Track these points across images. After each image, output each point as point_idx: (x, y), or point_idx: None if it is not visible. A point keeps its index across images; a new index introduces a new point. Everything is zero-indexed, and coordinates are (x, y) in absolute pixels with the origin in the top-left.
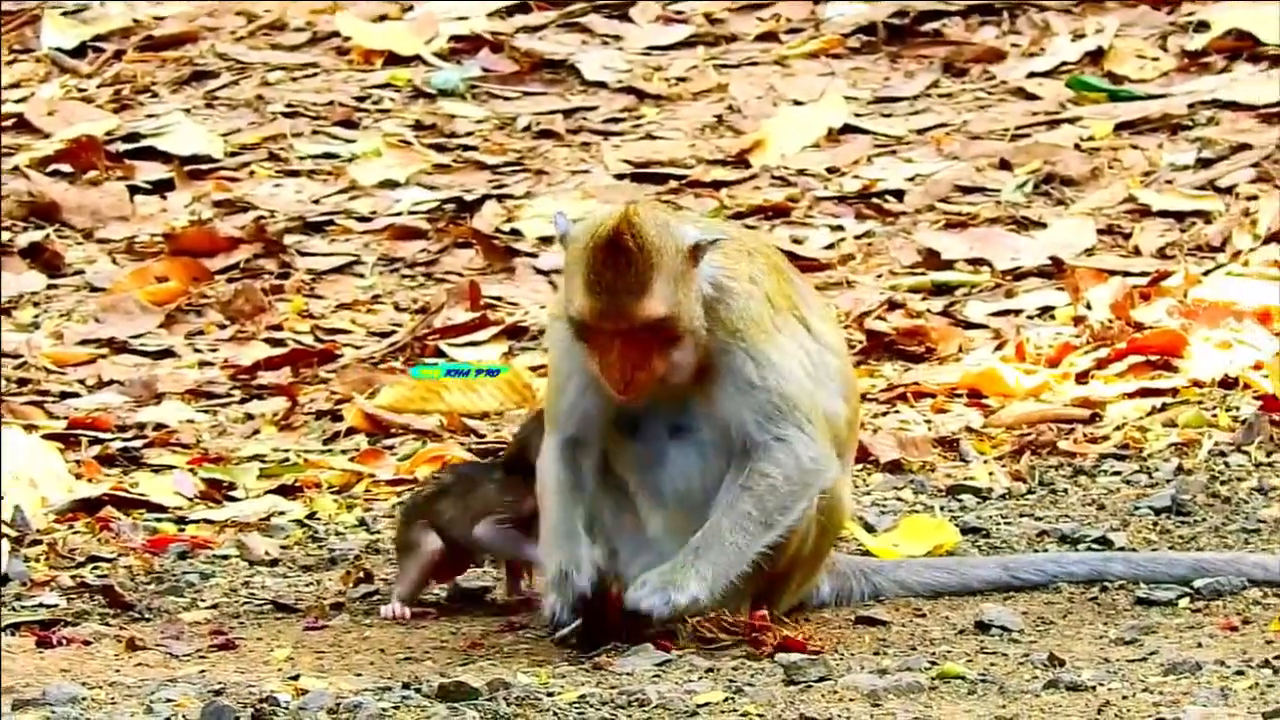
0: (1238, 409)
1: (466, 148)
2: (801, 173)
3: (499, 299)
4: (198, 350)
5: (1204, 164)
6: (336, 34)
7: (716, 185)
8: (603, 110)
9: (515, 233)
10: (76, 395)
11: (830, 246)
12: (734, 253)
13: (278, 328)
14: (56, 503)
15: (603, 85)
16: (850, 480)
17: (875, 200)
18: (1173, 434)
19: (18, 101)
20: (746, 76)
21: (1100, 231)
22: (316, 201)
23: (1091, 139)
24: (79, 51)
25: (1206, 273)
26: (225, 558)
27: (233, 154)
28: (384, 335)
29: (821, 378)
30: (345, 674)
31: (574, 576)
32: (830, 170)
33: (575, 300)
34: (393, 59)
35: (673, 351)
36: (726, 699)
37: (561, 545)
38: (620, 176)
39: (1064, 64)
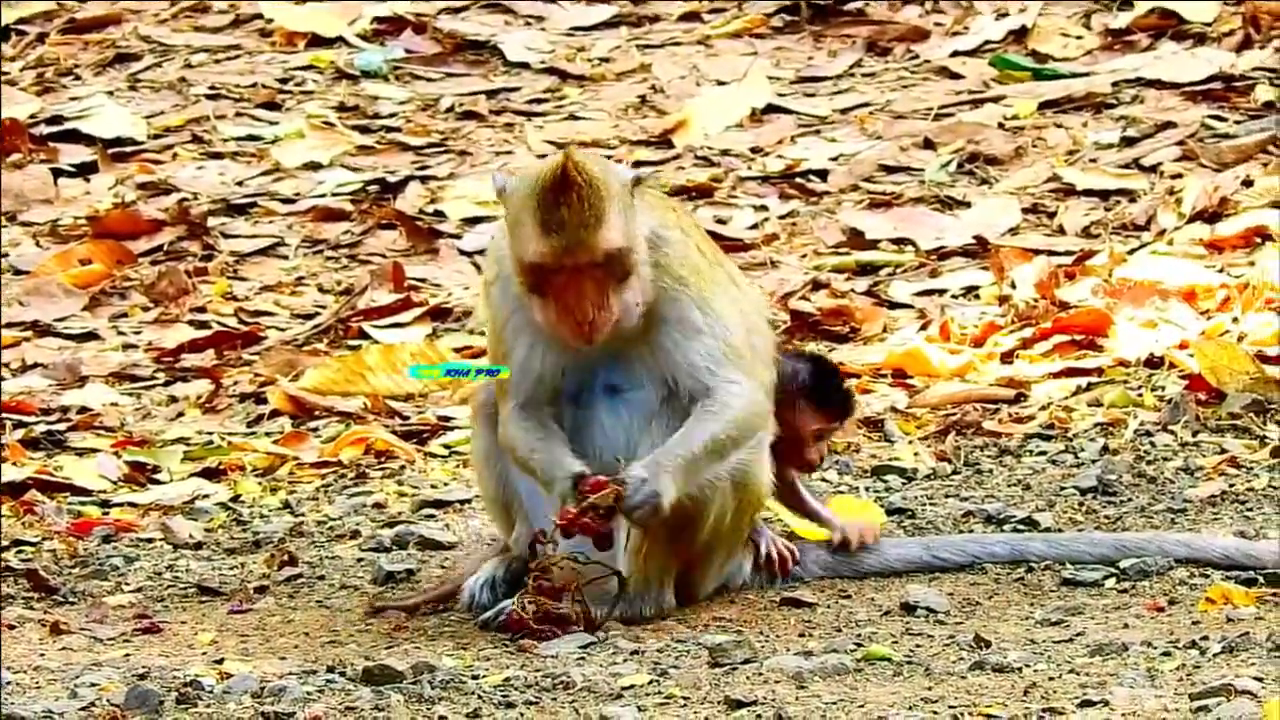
0: (1163, 388)
1: (390, 129)
2: (725, 153)
3: (423, 280)
4: (121, 333)
5: (1128, 142)
6: (259, 16)
7: (640, 165)
8: (526, 91)
9: (439, 214)
10: (0, 379)
11: (754, 227)
12: (660, 206)
13: (201, 310)
14: None
15: (525, 66)
16: (768, 456)
17: (799, 180)
18: (1098, 414)
19: None
20: (669, 56)
21: (1025, 210)
22: (240, 183)
23: (1015, 118)
24: (1, 35)
25: (1131, 252)
26: (149, 541)
27: (156, 136)
28: (308, 317)
29: (754, 339)
30: (270, 657)
31: (558, 480)
32: (754, 150)
33: (530, 246)
34: (315, 41)
35: (625, 291)
36: (651, 681)
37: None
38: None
39: (987, 43)
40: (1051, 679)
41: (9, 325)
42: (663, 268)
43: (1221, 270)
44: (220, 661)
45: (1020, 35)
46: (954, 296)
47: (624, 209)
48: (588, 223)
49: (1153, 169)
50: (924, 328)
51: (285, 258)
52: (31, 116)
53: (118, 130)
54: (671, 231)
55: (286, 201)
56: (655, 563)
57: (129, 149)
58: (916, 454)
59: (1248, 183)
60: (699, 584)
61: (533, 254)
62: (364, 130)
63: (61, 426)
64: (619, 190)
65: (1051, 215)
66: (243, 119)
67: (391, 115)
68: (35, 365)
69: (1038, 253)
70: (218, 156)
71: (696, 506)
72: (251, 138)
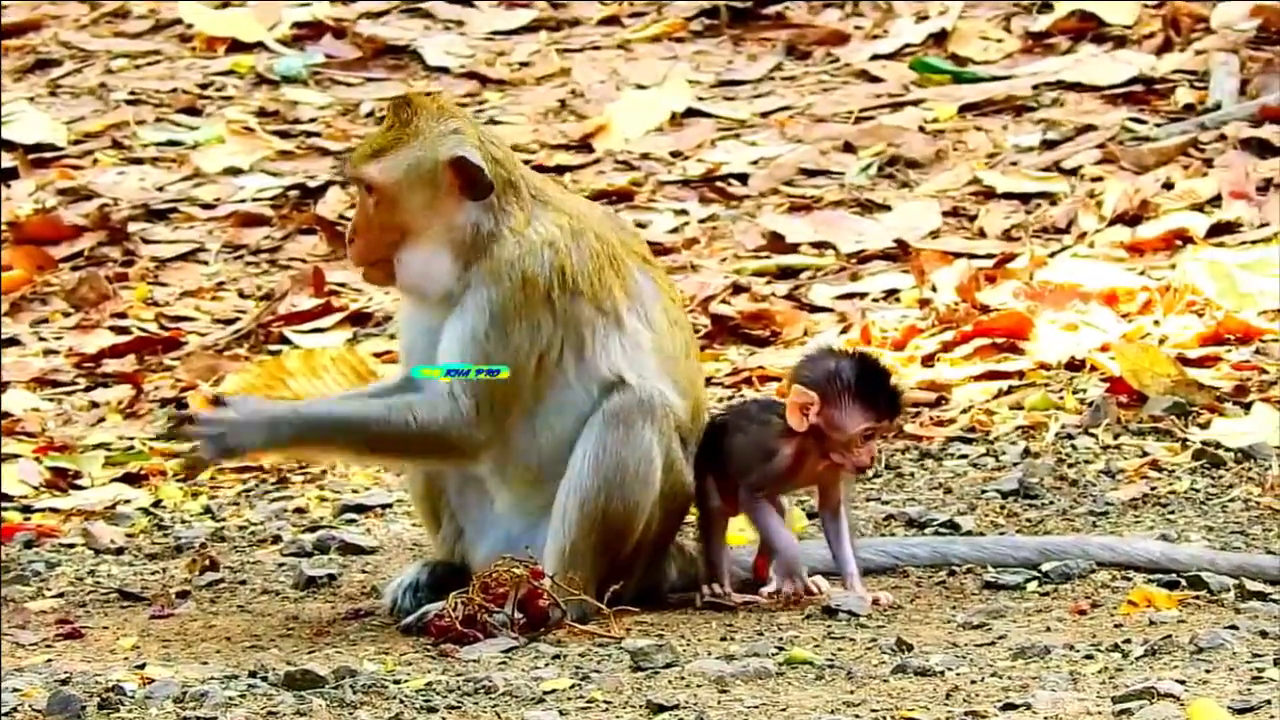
0: (1084, 391)
1: (310, 134)
2: (645, 157)
3: (343, 285)
4: (42, 339)
5: (1049, 145)
6: (179, 21)
7: (560, 170)
8: (445, 95)
9: None
10: None
11: (674, 230)
12: (548, 221)
13: (122, 315)
14: None
15: (445, 70)
16: (689, 463)
17: (719, 184)
18: (1019, 417)
19: None
20: (589, 60)
21: (945, 214)
22: (160, 189)
23: (936, 121)
24: None
25: (1052, 254)
26: (71, 546)
27: (76, 142)
28: (228, 322)
29: (637, 370)
30: (191, 662)
31: None
32: (674, 154)
33: None
34: (235, 46)
35: (403, 247)
36: (573, 685)
37: None
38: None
39: (907, 46)
40: (974, 682)
41: None
42: (485, 262)
43: (1143, 273)
44: (142, 666)
45: (940, 38)
46: (875, 300)
47: (416, 166)
48: (374, 144)
49: (1073, 172)
50: (845, 331)
51: (206, 263)
52: None
53: (38, 136)
54: (513, 236)
55: (207, 207)
56: (579, 568)
57: (49, 155)
58: None
59: (1168, 185)
60: (621, 589)
61: None
62: (284, 135)
63: None
64: (428, 150)
65: (972, 218)
66: (163, 124)
67: (311, 120)
68: None
69: (958, 256)
70: (138, 162)
71: (627, 517)
72: (172, 143)
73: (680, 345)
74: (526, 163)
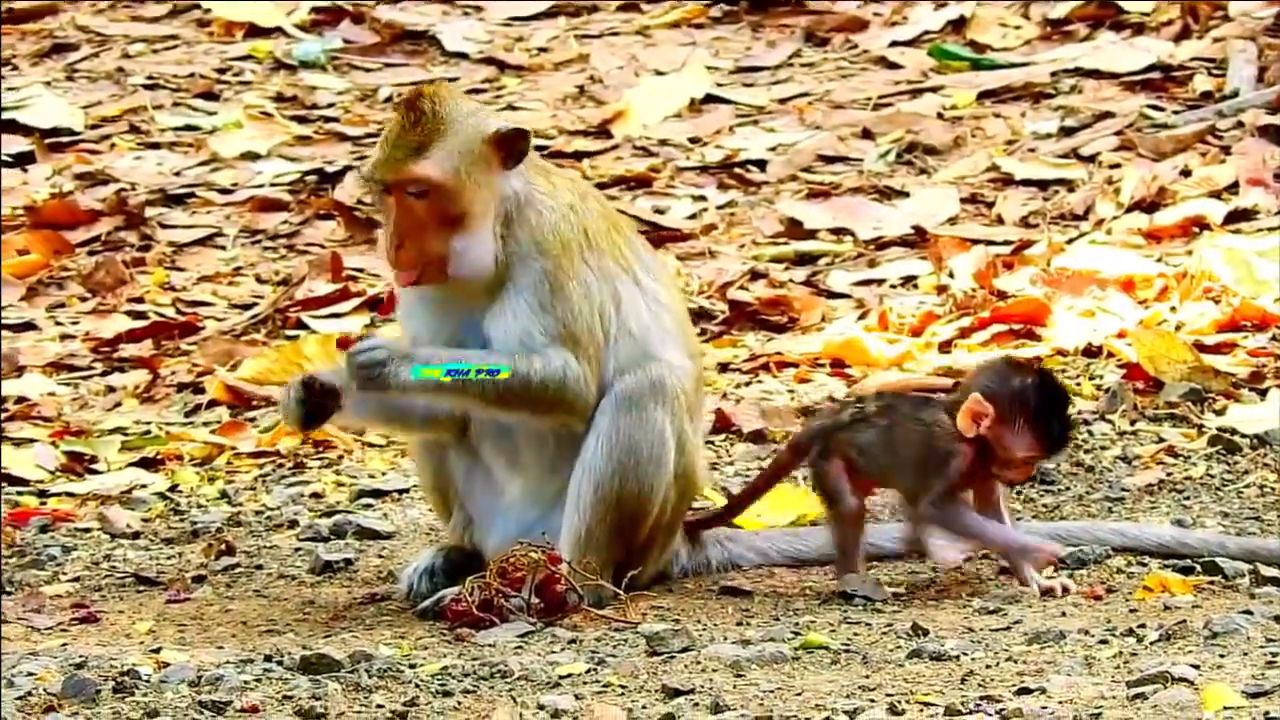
0: (1101, 377)
1: (328, 119)
2: (664, 143)
3: (361, 270)
4: (59, 323)
5: (1067, 132)
6: (197, 6)
7: (578, 156)
8: (464, 81)
9: None
10: None
11: (693, 217)
12: (562, 186)
13: (139, 300)
14: None
15: (464, 56)
16: (703, 444)
17: (738, 170)
18: None
19: None
20: (608, 46)
21: (963, 200)
22: (178, 174)
23: (954, 108)
24: None
25: (1070, 241)
26: (87, 531)
27: (93, 126)
28: (245, 307)
29: (658, 328)
30: (207, 647)
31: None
32: (692, 140)
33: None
34: (254, 31)
35: (456, 237)
36: (589, 670)
37: None
38: None
39: (926, 33)
40: (989, 667)
41: None
42: (528, 229)
43: (1160, 260)
44: (157, 651)
45: (959, 25)
46: (892, 286)
47: (463, 153)
48: (409, 144)
49: (1091, 159)
50: (862, 317)
51: (223, 248)
52: None
53: (55, 120)
54: (552, 200)
55: (224, 192)
56: (594, 552)
57: (66, 139)
58: None
59: (1186, 173)
60: (638, 574)
61: (365, 164)
62: (302, 120)
63: None
64: (467, 132)
65: (990, 205)
66: (180, 109)
67: (329, 105)
68: None
69: (976, 242)
70: (155, 147)
71: (642, 500)
72: (189, 128)
73: (684, 309)
74: (544, 149)
